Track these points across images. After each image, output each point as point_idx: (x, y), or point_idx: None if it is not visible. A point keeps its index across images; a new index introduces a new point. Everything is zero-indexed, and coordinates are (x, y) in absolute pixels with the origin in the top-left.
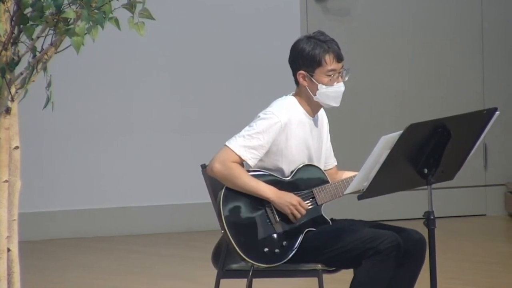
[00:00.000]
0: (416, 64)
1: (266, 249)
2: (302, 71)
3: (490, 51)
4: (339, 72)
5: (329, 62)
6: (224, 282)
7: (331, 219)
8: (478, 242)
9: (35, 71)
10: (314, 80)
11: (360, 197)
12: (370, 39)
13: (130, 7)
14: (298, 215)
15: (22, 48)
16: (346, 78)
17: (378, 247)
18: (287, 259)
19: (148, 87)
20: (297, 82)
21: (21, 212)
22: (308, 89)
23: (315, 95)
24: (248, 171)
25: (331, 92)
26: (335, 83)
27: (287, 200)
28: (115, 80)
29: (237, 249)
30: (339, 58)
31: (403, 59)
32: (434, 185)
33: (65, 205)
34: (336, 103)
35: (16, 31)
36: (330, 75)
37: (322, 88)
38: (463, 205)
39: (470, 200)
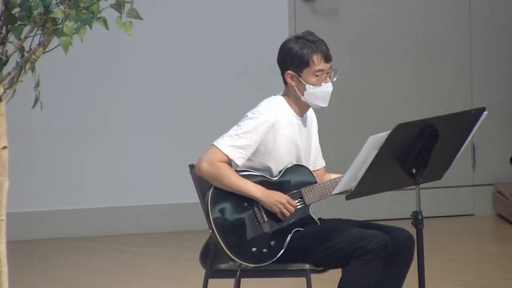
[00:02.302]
0: (405, 64)
1: (254, 249)
2: (290, 71)
3: (479, 51)
4: (327, 73)
5: (317, 62)
6: (212, 282)
7: (319, 219)
8: (466, 242)
9: (23, 71)
10: (302, 80)
11: (348, 197)
12: (358, 39)
13: (118, 7)
14: (287, 213)
15: (10, 48)
16: (335, 79)
17: (366, 247)
18: (275, 259)
19: (136, 87)
20: (285, 82)
21: (9, 212)
22: (296, 89)
23: (303, 95)
24: (236, 170)
25: (319, 92)
26: (323, 84)
27: (276, 198)
28: (104, 80)
29: (225, 249)
30: (327, 59)
31: (392, 59)
32: (422, 185)
33: (54, 205)
34: (324, 104)
35: (4, 31)
36: (318, 75)
37: (310, 88)
38: (451, 205)
39: (458, 200)
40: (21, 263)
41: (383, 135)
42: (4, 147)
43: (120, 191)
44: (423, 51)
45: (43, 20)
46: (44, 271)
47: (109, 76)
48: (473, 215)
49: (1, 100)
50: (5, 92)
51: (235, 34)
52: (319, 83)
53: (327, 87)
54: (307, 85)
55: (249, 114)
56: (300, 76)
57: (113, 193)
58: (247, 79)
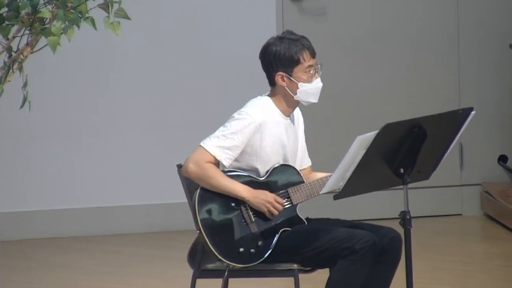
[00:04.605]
0: (392, 64)
1: (241, 249)
2: (280, 72)
3: (466, 51)
4: (315, 68)
5: (307, 58)
6: (200, 282)
7: (307, 219)
8: (454, 241)
9: (11, 71)
10: (293, 79)
11: (336, 197)
12: (346, 38)
13: (106, 7)
14: (275, 212)
15: None
16: (320, 73)
17: (353, 247)
18: (262, 259)
19: (124, 87)
20: (272, 83)
21: None
22: (287, 89)
23: (295, 94)
24: (223, 171)
25: (311, 89)
26: (313, 79)
27: (263, 198)
28: (92, 80)
29: (213, 249)
30: (313, 54)
31: (380, 58)
32: (410, 185)
33: (42, 205)
34: (315, 99)
35: None
36: (308, 72)
37: (302, 86)
38: (439, 205)
39: (446, 200)
40: (9, 263)
41: (370, 135)
42: None
43: (108, 191)
44: (411, 51)
45: (30, 20)
46: (31, 271)
47: (97, 76)
48: (460, 215)
49: None
50: None
51: (222, 34)
52: (310, 80)
53: (318, 83)
54: (299, 83)
55: (235, 115)
56: (291, 75)
57: (101, 193)
58: (234, 79)
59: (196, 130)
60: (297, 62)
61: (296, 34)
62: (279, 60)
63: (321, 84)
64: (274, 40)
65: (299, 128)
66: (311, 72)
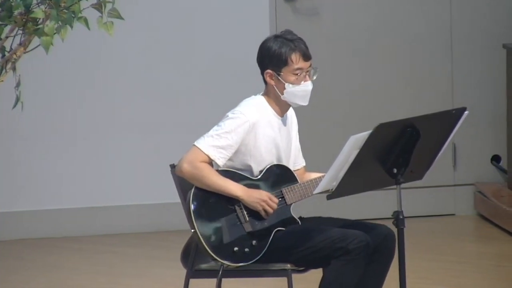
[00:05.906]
0: (386, 64)
1: (235, 249)
2: (269, 70)
3: (459, 51)
4: (307, 71)
5: (296, 61)
6: (193, 282)
7: (300, 218)
8: (447, 241)
9: (4, 71)
10: (281, 79)
11: (329, 197)
12: (339, 38)
13: (99, 6)
14: (270, 210)
15: None
16: (314, 77)
17: (347, 247)
18: (256, 258)
19: (117, 87)
20: (265, 81)
21: None
22: (275, 88)
23: (282, 94)
24: (217, 170)
25: (299, 91)
26: (302, 82)
27: (257, 196)
28: (84, 80)
29: (207, 248)
30: (306, 57)
31: (373, 58)
32: (403, 185)
33: (33, 205)
34: (304, 102)
35: None
36: (297, 74)
37: (289, 87)
38: (432, 205)
39: (439, 200)
40: (3, 263)
41: (364, 135)
42: None
43: (102, 191)
44: (404, 51)
45: (23, 20)
46: (23, 271)
47: (91, 76)
48: (454, 215)
49: None
50: None
51: (216, 34)
52: (298, 82)
53: (307, 86)
54: (286, 84)
55: (229, 114)
56: (279, 75)
57: (95, 193)
58: (228, 79)
59: (190, 130)
60: (285, 63)
61: (294, 35)
62: (268, 58)
63: (310, 87)
64: (271, 37)
65: (292, 128)
66: (301, 75)
